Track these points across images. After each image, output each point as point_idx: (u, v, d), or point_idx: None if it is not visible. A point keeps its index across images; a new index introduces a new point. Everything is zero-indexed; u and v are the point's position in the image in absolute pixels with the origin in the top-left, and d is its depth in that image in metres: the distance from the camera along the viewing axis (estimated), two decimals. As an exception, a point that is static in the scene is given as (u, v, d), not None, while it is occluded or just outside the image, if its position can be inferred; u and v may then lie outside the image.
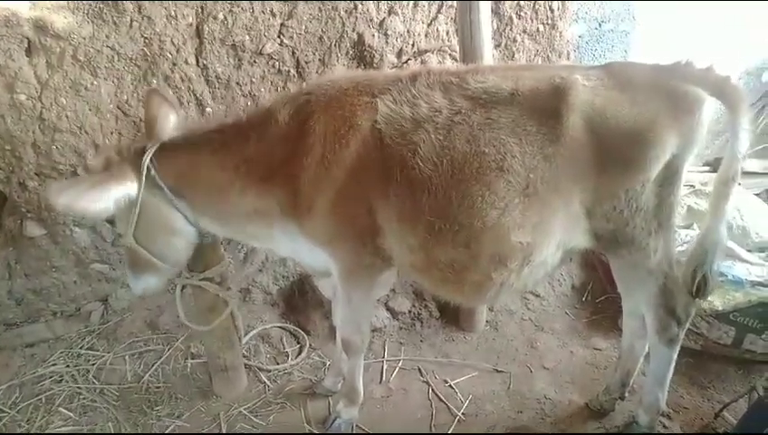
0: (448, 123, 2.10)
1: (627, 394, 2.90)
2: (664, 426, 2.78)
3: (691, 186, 3.90)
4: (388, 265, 2.41)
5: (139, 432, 2.80)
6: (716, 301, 3.16)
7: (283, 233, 2.38)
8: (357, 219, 2.23)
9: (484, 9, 3.05)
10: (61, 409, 2.90)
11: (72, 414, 2.87)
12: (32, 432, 2.76)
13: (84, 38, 2.78)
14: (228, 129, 2.29)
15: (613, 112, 2.05)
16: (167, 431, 2.80)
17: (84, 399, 2.97)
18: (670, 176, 2.16)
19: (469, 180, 2.08)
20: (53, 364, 3.17)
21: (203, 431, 2.83)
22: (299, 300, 3.73)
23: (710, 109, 2.10)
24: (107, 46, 2.85)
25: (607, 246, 2.32)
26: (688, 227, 3.72)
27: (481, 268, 2.20)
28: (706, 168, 4.26)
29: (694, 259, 2.21)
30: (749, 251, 3.49)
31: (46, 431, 2.76)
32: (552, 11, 3.82)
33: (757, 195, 4.09)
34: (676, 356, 2.52)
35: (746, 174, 4.43)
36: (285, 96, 2.35)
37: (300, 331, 3.56)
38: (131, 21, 2.85)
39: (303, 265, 2.96)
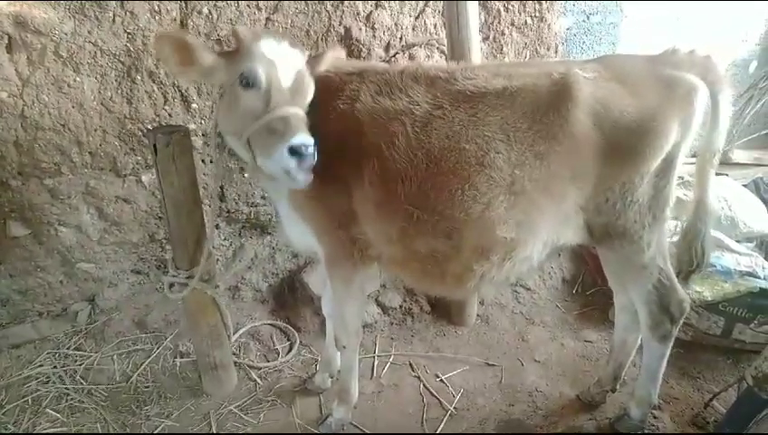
0: (427, 117, 2.09)
1: (618, 387, 2.91)
2: (654, 416, 2.78)
3: (680, 177, 3.90)
4: (369, 257, 2.39)
5: (128, 432, 2.77)
6: (706, 291, 3.18)
7: (290, 211, 2.38)
8: (337, 205, 2.23)
9: (472, 2, 3.03)
10: (48, 410, 2.85)
11: (59, 415, 2.83)
12: (19, 434, 2.73)
13: (66, 34, 2.73)
14: None
15: (617, 104, 2.03)
16: (156, 431, 2.78)
17: (72, 399, 2.93)
18: (667, 166, 2.16)
19: (446, 174, 2.07)
20: (40, 365, 3.13)
21: (193, 431, 2.80)
22: (289, 297, 3.71)
23: (705, 96, 2.10)
24: (89, 42, 2.80)
25: (599, 239, 2.32)
26: (677, 218, 3.73)
27: (463, 259, 2.20)
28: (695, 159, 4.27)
29: (689, 232, 2.28)
30: (737, 241, 3.51)
31: (33, 433, 2.73)
32: (540, 3, 3.81)
33: (745, 186, 4.10)
34: (668, 352, 2.52)
35: (734, 165, 4.46)
36: None
37: (290, 328, 3.55)
38: (114, 16, 2.80)
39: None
